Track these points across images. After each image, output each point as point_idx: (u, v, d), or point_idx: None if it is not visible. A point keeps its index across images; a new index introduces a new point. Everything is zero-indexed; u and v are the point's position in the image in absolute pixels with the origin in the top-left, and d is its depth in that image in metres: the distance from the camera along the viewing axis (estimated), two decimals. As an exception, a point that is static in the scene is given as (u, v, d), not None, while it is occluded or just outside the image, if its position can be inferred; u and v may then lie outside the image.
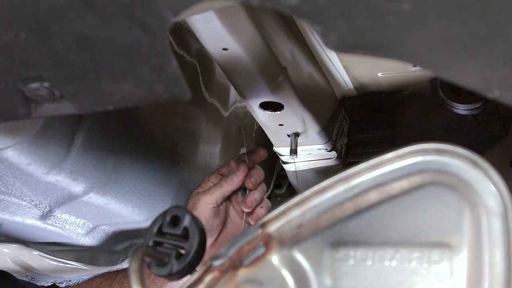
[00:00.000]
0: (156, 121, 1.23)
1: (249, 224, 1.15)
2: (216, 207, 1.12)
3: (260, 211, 1.15)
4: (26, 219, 1.22)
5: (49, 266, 1.54)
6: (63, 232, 1.31)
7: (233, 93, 1.49)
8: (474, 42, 0.47)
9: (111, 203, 1.21)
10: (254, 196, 1.15)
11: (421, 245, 0.64)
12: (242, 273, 0.73)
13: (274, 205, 1.63)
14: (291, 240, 0.72)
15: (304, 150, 1.41)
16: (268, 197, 1.84)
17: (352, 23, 0.49)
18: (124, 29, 0.57)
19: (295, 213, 0.73)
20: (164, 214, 0.82)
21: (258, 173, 1.19)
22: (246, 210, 1.13)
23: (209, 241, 1.12)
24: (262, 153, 1.23)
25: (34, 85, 0.68)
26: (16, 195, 1.11)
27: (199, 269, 0.76)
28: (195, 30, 0.96)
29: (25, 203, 1.15)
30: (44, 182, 1.06)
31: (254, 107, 1.20)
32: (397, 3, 0.45)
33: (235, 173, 1.14)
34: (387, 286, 0.64)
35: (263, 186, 1.20)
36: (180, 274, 0.78)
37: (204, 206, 1.10)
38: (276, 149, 1.43)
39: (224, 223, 1.16)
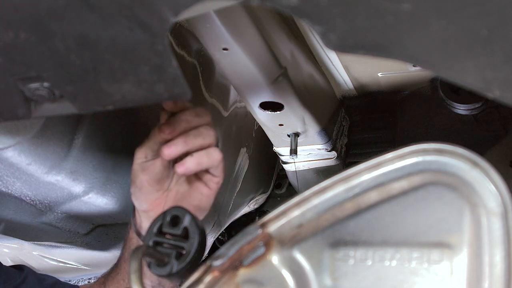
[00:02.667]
0: (156, 121, 1.23)
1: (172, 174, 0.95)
2: (144, 162, 0.93)
3: (188, 160, 0.88)
4: (26, 219, 1.22)
5: (49, 266, 1.54)
6: (63, 232, 1.31)
7: (233, 93, 1.49)
8: (474, 42, 0.47)
9: (111, 203, 1.21)
10: (172, 143, 0.88)
11: (421, 245, 0.64)
12: (242, 273, 0.73)
13: (274, 205, 1.63)
14: (291, 240, 0.72)
15: (304, 150, 1.41)
16: (268, 197, 1.84)
17: (352, 23, 0.49)
18: (124, 29, 0.57)
19: (295, 213, 0.73)
20: (164, 214, 0.82)
21: (178, 119, 0.90)
22: (165, 157, 0.89)
23: (143, 201, 0.95)
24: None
25: (34, 85, 0.68)
26: (16, 195, 1.11)
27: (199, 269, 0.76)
28: (195, 30, 0.96)
29: (25, 203, 1.15)
30: (44, 182, 1.06)
31: (254, 107, 1.20)
32: (397, 3, 0.45)
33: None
34: (387, 286, 0.64)
35: (197, 133, 0.90)
36: (180, 274, 0.78)
37: (134, 162, 0.94)
38: (276, 149, 1.43)
39: (162, 183, 0.95)
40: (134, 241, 1.02)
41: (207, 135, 0.91)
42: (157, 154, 0.93)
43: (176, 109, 0.91)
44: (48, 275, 1.19)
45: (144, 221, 0.99)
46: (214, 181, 0.95)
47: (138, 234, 1.01)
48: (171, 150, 0.86)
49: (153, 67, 0.62)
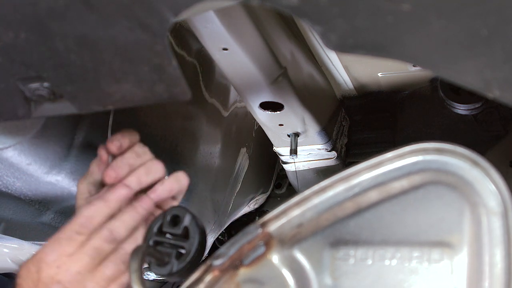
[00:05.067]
0: (156, 121, 1.23)
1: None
2: (88, 197, 0.90)
3: (159, 188, 0.88)
4: (26, 219, 1.22)
5: (49, 266, 1.54)
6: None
7: (233, 93, 1.49)
8: (474, 42, 0.47)
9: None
10: (125, 184, 0.86)
11: (421, 244, 0.64)
12: (242, 272, 0.73)
13: (274, 205, 1.63)
14: (292, 239, 0.72)
15: (304, 150, 1.41)
16: (268, 197, 1.84)
17: (352, 23, 0.49)
18: (124, 29, 0.57)
19: (295, 212, 0.73)
20: (164, 213, 0.82)
21: (120, 163, 0.87)
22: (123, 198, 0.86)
23: None
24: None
25: (34, 85, 0.68)
26: (16, 195, 1.11)
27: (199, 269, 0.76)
28: (195, 30, 0.96)
29: (25, 203, 1.15)
30: (44, 182, 1.06)
31: (254, 107, 1.20)
32: (397, 3, 0.45)
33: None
34: (387, 285, 0.64)
35: (147, 170, 0.88)
36: (180, 274, 0.78)
37: (78, 197, 0.92)
38: (276, 149, 1.43)
39: None
40: None
41: (157, 170, 0.90)
42: (100, 188, 0.91)
43: (118, 152, 0.89)
44: None
45: None
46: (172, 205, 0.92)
47: None
48: (126, 192, 0.85)
49: (153, 67, 0.62)
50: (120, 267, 0.81)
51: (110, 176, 0.86)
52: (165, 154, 1.28)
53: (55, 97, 0.71)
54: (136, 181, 0.86)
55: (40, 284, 0.79)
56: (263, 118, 1.25)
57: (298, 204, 0.73)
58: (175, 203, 0.93)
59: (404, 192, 0.67)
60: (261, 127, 1.34)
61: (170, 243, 0.80)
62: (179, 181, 0.91)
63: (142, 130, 1.20)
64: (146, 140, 1.22)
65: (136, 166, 0.88)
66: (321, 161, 1.46)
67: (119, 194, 0.84)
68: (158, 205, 0.91)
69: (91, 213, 0.82)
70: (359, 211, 0.69)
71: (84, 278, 0.79)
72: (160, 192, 0.87)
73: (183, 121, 1.33)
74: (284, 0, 0.48)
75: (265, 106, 1.20)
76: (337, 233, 0.69)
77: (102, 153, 0.90)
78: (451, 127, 1.38)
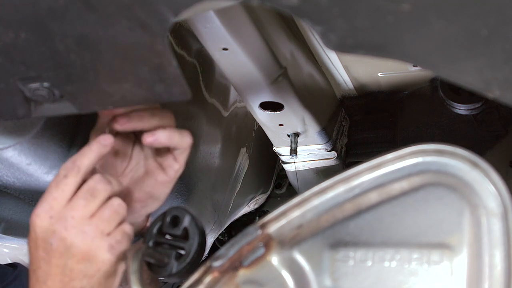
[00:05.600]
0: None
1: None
2: None
3: (159, 131, 0.83)
4: (26, 219, 1.22)
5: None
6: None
7: (233, 93, 1.49)
8: (474, 42, 0.47)
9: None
10: (126, 116, 0.82)
11: (421, 246, 0.64)
12: (242, 273, 0.73)
13: (274, 205, 1.63)
14: (291, 240, 0.72)
15: (304, 150, 1.41)
16: (268, 197, 1.84)
17: (352, 23, 0.49)
18: (124, 29, 0.57)
19: (295, 213, 0.73)
20: (164, 214, 0.82)
21: (132, 114, 0.83)
22: (117, 127, 0.82)
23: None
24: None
25: (34, 85, 0.68)
26: (16, 195, 1.11)
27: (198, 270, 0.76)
28: (195, 30, 0.96)
29: (25, 203, 1.15)
30: (44, 182, 1.06)
31: (254, 107, 1.20)
32: (397, 3, 0.45)
33: None
34: (387, 287, 0.64)
35: (153, 113, 0.84)
36: (180, 275, 0.78)
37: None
38: (276, 149, 1.43)
39: (115, 167, 0.90)
40: None
41: (164, 117, 0.85)
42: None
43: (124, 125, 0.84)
44: None
45: None
46: (174, 169, 0.88)
47: None
48: (124, 121, 0.81)
49: (153, 67, 0.62)
50: (117, 209, 0.77)
51: (119, 121, 0.81)
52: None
53: (55, 97, 0.70)
54: (137, 118, 0.82)
55: (39, 241, 0.76)
56: (263, 118, 1.25)
57: (298, 205, 0.73)
58: (175, 165, 0.88)
59: (404, 194, 0.67)
60: (261, 127, 1.34)
61: (169, 244, 0.80)
62: (182, 135, 0.86)
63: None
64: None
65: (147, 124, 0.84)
66: (321, 161, 1.46)
67: (120, 121, 0.81)
68: (156, 161, 0.88)
69: (77, 157, 0.78)
70: (359, 213, 0.69)
71: (81, 223, 0.75)
72: (159, 135, 0.82)
73: (183, 121, 1.33)
74: (284, 0, 0.48)
75: (265, 106, 1.20)
76: (337, 234, 0.69)
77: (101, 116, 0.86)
78: (451, 127, 1.38)
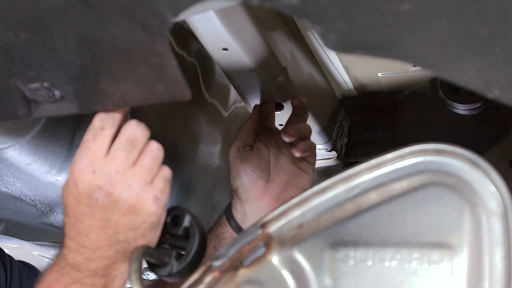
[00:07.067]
0: (156, 121, 1.23)
1: (294, 159, 1.06)
2: (240, 151, 1.02)
3: (302, 144, 1.03)
4: (26, 219, 1.22)
5: (49, 266, 1.54)
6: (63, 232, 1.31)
7: (233, 93, 1.49)
8: (474, 42, 0.47)
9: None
10: (296, 126, 1.04)
11: (421, 245, 0.64)
12: (242, 273, 0.73)
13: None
14: (291, 240, 0.72)
15: (304, 150, 1.41)
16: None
17: (352, 23, 0.49)
18: (124, 29, 0.57)
19: (295, 213, 0.73)
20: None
21: (296, 128, 1.05)
22: (286, 139, 1.01)
23: (251, 189, 1.02)
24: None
25: (34, 85, 0.68)
26: (16, 195, 1.11)
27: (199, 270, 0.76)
28: (195, 30, 0.96)
29: (25, 203, 1.15)
30: (44, 182, 1.06)
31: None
32: (397, 3, 0.45)
33: None
34: (387, 287, 0.64)
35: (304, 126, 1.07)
36: (180, 275, 0.78)
37: (230, 154, 1.03)
38: (276, 149, 1.43)
39: (264, 171, 1.04)
40: (228, 234, 1.03)
41: (309, 129, 1.07)
42: (249, 144, 1.03)
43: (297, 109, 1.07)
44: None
45: (250, 213, 1.00)
46: (311, 168, 1.07)
47: (239, 229, 1.01)
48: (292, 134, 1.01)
49: (153, 67, 0.62)
50: (156, 154, 0.78)
51: (290, 135, 1.01)
52: (165, 154, 1.28)
53: (55, 97, 0.71)
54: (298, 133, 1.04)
55: (81, 196, 0.75)
56: (263, 118, 1.24)
57: (298, 205, 0.73)
58: (311, 166, 1.06)
59: (404, 193, 0.67)
60: (261, 127, 1.34)
61: (170, 244, 0.80)
62: (311, 143, 1.06)
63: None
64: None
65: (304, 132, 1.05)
66: (321, 161, 1.46)
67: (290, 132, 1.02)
68: (295, 165, 1.06)
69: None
70: (359, 212, 0.69)
71: (125, 176, 0.74)
72: (302, 147, 1.01)
73: (183, 121, 1.33)
74: (284, 0, 0.48)
75: (265, 106, 1.20)
76: (337, 234, 0.69)
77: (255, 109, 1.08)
78: (451, 127, 1.38)
